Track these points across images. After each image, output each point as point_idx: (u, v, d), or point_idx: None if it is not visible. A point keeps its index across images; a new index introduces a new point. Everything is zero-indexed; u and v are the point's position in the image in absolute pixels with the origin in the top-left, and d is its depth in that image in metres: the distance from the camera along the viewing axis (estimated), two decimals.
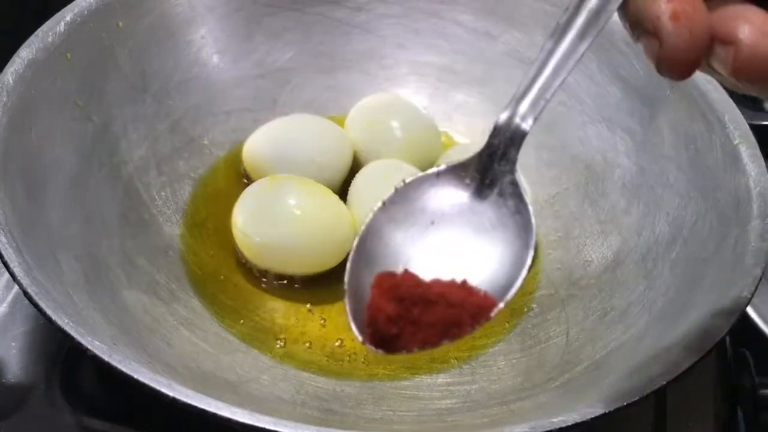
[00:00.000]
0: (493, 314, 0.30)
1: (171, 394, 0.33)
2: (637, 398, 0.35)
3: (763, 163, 0.46)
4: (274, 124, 0.53)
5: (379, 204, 0.32)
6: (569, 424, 0.34)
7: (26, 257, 0.37)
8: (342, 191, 0.51)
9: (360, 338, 0.30)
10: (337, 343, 0.46)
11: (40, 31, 0.47)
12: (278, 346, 0.45)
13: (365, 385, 0.44)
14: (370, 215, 0.32)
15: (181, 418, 0.34)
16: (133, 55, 0.51)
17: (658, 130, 0.51)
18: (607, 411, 0.35)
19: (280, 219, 0.47)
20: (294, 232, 0.47)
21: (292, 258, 0.47)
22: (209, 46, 0.56)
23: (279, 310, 0.47)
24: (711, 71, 0.27)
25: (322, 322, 0.47)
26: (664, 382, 0.36)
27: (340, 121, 0.55)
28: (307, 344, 0.46)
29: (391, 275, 0.31)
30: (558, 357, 0.45)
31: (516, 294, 0.31)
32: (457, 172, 0.33)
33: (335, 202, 0.49)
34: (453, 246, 0.33)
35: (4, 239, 0.37)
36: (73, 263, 0.42)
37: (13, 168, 0.41)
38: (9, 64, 0.44)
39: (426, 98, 0.59)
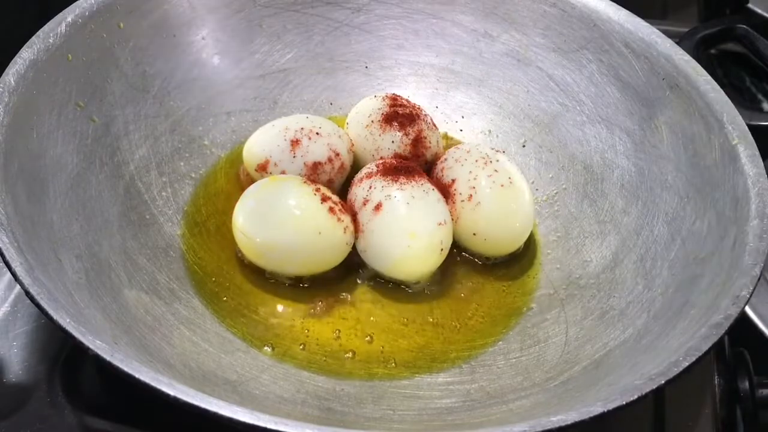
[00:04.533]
0: None
1: (172, 393, 0.33)
2: (635, 397, 0.35)
3: (762, 163, 0.46)
4: (275, 124, 0.53)
5: None
6: (568, 423, 0.34)
7: (28, 257, 0.38)
8: (342, 191, 0.51)
9: None
10: (348, 355, 0.46)
11: (41, 32, 0.47)
12: (278, 345, 0.45)
13: (365, 384, 0.44)
14: None
15: (181, 418, 0.34)
16: (134, 56, 0.51)
17: (657, 131, 0.51)
18: (605, 410, 0.35)
19: (281, 219, 0.47)
20: (294, 232, 0.47)
21: (292, 258, 0.47)
22: (210, 47, 0.56)
23: (279, 310, 0.47)
24: None
25: (336, 333, 0.46)
26: (663, 382, 0.36)
27: (340, 121, 0.56)
28: (307, 344, 0.46)
29: None
30: (557, 356, 0.45)
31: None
32: None
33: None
34: None
35: (5, 239, 0.38)
36: (75, 263, 0.42)
37: (14, 168, 0.41)
38: (11, 64, 0.45)
39: (426, 98, 0.60)
